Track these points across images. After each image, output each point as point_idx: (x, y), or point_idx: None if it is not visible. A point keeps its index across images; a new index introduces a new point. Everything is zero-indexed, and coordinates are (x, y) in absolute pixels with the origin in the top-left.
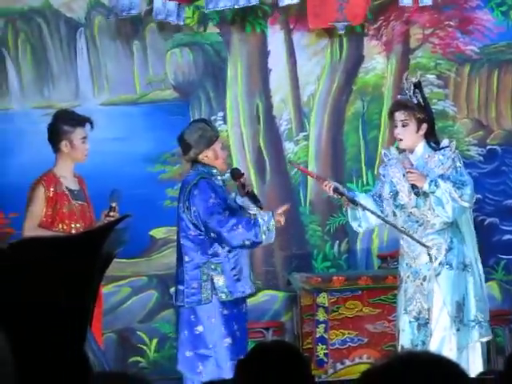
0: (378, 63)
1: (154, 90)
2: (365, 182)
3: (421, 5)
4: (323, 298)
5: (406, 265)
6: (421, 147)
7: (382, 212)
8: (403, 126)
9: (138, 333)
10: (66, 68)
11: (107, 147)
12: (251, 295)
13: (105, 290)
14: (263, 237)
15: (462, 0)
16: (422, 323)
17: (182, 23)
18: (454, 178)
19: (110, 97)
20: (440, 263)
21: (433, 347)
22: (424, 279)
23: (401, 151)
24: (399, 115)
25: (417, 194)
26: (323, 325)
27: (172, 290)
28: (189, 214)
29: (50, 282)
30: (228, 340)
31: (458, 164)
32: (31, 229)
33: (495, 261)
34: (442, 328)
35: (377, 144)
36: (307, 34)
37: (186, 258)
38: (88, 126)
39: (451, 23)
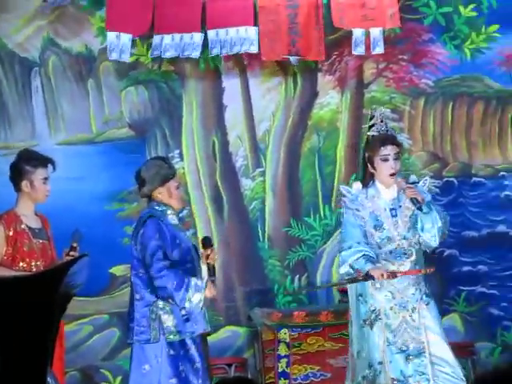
0: (332, 98)
1: (110, 129)
2: (322, 217)
3: (373, 53)
4: (284, 334)
5: (387, 297)
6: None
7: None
8: (396, 159)
9: (102, 371)
10: (21, 108)
11: (65, 186)
12: (209, 334)
13: (67, 328)
14: (186, 304)
15: (414, 34)
16: (413, 354)
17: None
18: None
19: (66, 136)
20: (425, 294)
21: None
22: (413, 310)
23: (365, 186)
24: (392, 149)
25: (420, 209)
26: (285, 359)
27: None
28: (136, 251)
29: (7, 321)
30: (173, 381)
31: (430, 197)
32: None
33: (456, 292)
34: (451, 355)
35: (333, 178)
36: (261, 71)
37: (137, 296)
38: (50, 167)
39: (404, 57)
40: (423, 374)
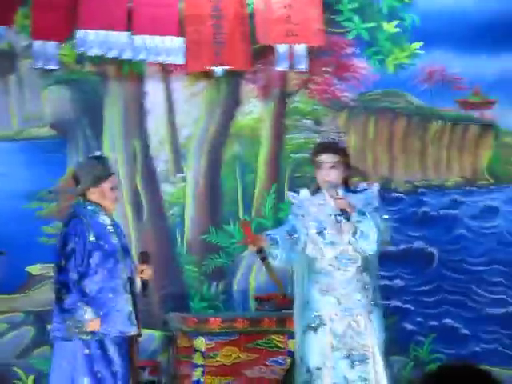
0: (254, 107)
1: (30, 127)
2: None
3: (296, 69)
4: (200, 343)
5: (332, 302)
6: (340, 190)
7: (297, 246)
8: (332, 167)
9: (15, 369)
10: None
11: None
12: (139, 335)
13: None
14: (67, 322)
15: (338, 47)
16: (358, 360)
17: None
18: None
19: None
20: (371, 302)
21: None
22: (358, 316)
23: (313, 193)
24: (328, 157)
25: (347, 219)
26: (200, 369)
27: (49, 326)
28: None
29: None
30: (85, 380)
31: (377, 204)
32: None
33: None
34: (382, 364)
35: (254, 187)
36: (185, 76)
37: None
38: None
39: (328, 69)
40: (366, 380)
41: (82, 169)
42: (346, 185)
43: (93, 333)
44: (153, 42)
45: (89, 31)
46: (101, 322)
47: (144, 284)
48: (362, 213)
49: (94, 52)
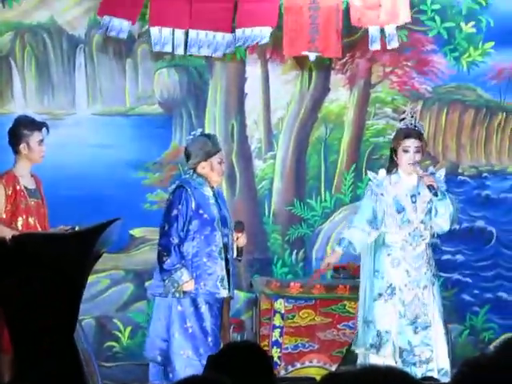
0: (341, 94)
1: (141, 105)
2: (323, 200)
3: (389, 48)
4: (280, 305)
5: (403, 274)
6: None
7: (376, 231)
8: (417, 152)
9: (114, 320)
10: (65, 80)
11: (97, 153)
12: (231, 298)
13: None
14: (165, 281)
15: (419, 44)
16: (422, 327)
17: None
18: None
19: (102, 108)
20: (433, 274)
21: (440, 347)
22: (424, 288)
23: (388, 173)
24: (414, 142)
25: (435, 195)
26: (278, 329)
27: (147, 283)
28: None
29: (47, 273)
30: (176, 334)
31: (446, 186)
32: None
33: None
34: (441, 331)
35: (335, 167)
36: (281, 65)
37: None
38: (45, 130)
39: (409, 63)
40: (428, 345)
41: (194, 145)
42: None
43: (186, 292)
44: (252, 31)
45: (199, 31)
46: (194, 283)
47: (239, 250)
48: (442, 193)
49: (203, 52)
